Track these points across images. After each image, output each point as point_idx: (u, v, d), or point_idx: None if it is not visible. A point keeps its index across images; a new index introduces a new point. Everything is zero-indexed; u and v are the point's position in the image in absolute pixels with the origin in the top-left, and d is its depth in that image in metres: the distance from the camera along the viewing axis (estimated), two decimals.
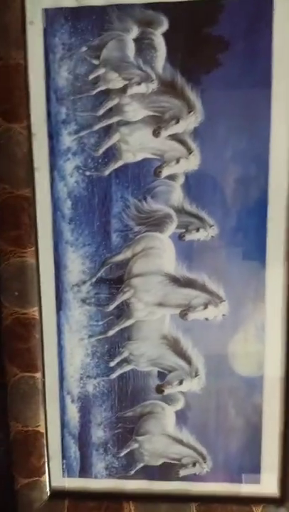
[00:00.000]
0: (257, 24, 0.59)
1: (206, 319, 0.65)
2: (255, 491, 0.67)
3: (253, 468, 0.67)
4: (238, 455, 0.67)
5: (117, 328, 0.66)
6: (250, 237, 0.63)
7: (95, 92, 0.62)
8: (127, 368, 0.67)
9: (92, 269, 0.65)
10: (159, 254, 0.64)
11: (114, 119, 0.62)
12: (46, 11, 0.61)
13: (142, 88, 0.61)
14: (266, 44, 0.59)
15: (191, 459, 0.68)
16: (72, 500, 0.68)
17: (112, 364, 0.67)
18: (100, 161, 0.63)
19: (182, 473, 0.68)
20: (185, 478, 0.68)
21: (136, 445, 0.68)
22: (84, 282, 0.65)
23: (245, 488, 0.67)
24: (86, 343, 0.67)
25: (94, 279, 0.65)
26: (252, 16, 0.59)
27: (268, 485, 0.67)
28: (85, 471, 0.69)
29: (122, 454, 0.68)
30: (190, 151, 0.62)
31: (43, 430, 0.67)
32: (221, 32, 0.59)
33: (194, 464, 0.68)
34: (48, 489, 0.69)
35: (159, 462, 0.68)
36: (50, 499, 0.68)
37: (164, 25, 0.60)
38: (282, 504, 0.66)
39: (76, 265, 0.65)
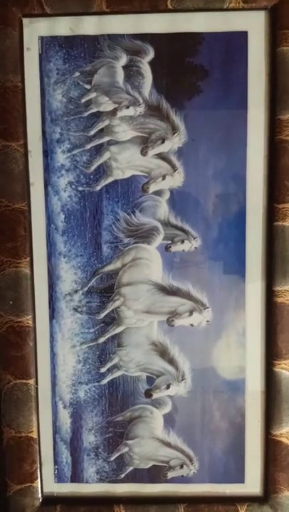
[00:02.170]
0: (233, 55, 0.65)
1: (192, 325, 0.69)
2: (240, 491, 0.70)
3: (238, 469, 0.70)
4: (223, 456, 0.70)
5: (107, 335, 0.69)
6: (230, 248, 0.68)
7: (87, 114, 0.67)
8: (117, 374, 0.70)
9: (83, 279, 0.69)
10: (147, 264, 0.68)
11: (105, 139, 0.67)
12: (42, 38, 0.66)
13: (131, 111, 0.66)
14: (242, 73, 0.65)
15: (179, 461, 0.70)
16: (63, 506, 0.69)
17: (102, 370, 0.69)
18: (91, 177, 0.67)
19: (170, 475, 0.71)
20: (173, 480, 0.71)
21: (126, 449, 0.70)
22: (76, 291, 0.69)
23: (230, 488, 0.70)
24: (78, 350, 0.69)
25: (85, 289, 0.69)
26: (229, 47, 0.65)
27: (251, 484, 0.70)
28: (76, 476, 0.71)
29: (112, 458, 0.71)
30: (175, 169, 0.67)
31: (35, 436, 0.69)
32: (201, 61, 0.65)
33: (182, 466, 0.70)
34: (40, 495, 0.70)
35: (148, 465, 0.71)
36: (42, 505, 0.69)
37: (150, 54, 0.65)
38: (266, 502, 0.69)
39: (69, 275, 0.69)
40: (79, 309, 0.69)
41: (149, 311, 0.69)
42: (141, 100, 0.66)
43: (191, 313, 0.68)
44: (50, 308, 0.69)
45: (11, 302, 0.67)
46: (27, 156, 0.67)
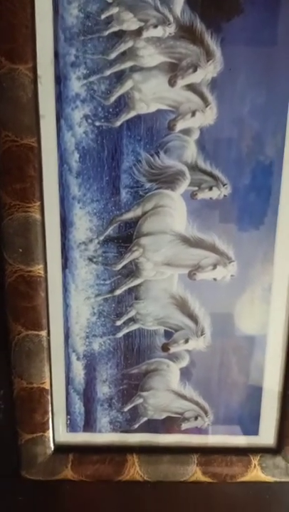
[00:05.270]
0: None
1: (215, 279, 0.64)
2: (254, 442, 0.70)
3: (252, 421, 0.70)
4: (239, 409, 0.69)
5: (124, 288, 0.64)
6: (263, 197, 0.61)
7: (107, 33, 0.56)
8: (133, 327, 0.66)
9: (100, 227, 0.62)
10: (170, 212, 0.62)
11: (128, 64, 0.57)
12: None
13: (159, 31, 0.56)
14: None
15: (194, 413, 0.69)
16: (76, 454, 0.68)
17: (118, 323, 0.66)
18: (110, 110, 0.59)
19: (184, 426, 0.70)
20: (187, 431, 0.70)
21: (140, 400, 0.69)
22: (91, 240, 0.63)
23: (245, 440, 0.70)
24: (92, 302, 0.65)
25: (102, 238, 0.63)
26: None
27: (265, 436, 0.70)
28: (89, 425, 0.70)
29: (126, 409, 0.69)
30: (207, 104, 0.58)
31: (48, 387, 0.66)
32: None
33: (196, 418, 0.69)
34: (52, 444, 0.69)
35: (163, 416, 0.70)
36: (55, 453, 0.69)
37: None
38: (278, 453, 0.69)
39: (83, 222, 0.62)
40: (94, 259, 0.63)
41: (169, 263, 0.63)
42: (171, 19, 0.56)
43: (214, 266, 0.63)
44: (62, 257, 0.63)
45: (21, 250, 0.61)
46: (36, 83, 0.57)
